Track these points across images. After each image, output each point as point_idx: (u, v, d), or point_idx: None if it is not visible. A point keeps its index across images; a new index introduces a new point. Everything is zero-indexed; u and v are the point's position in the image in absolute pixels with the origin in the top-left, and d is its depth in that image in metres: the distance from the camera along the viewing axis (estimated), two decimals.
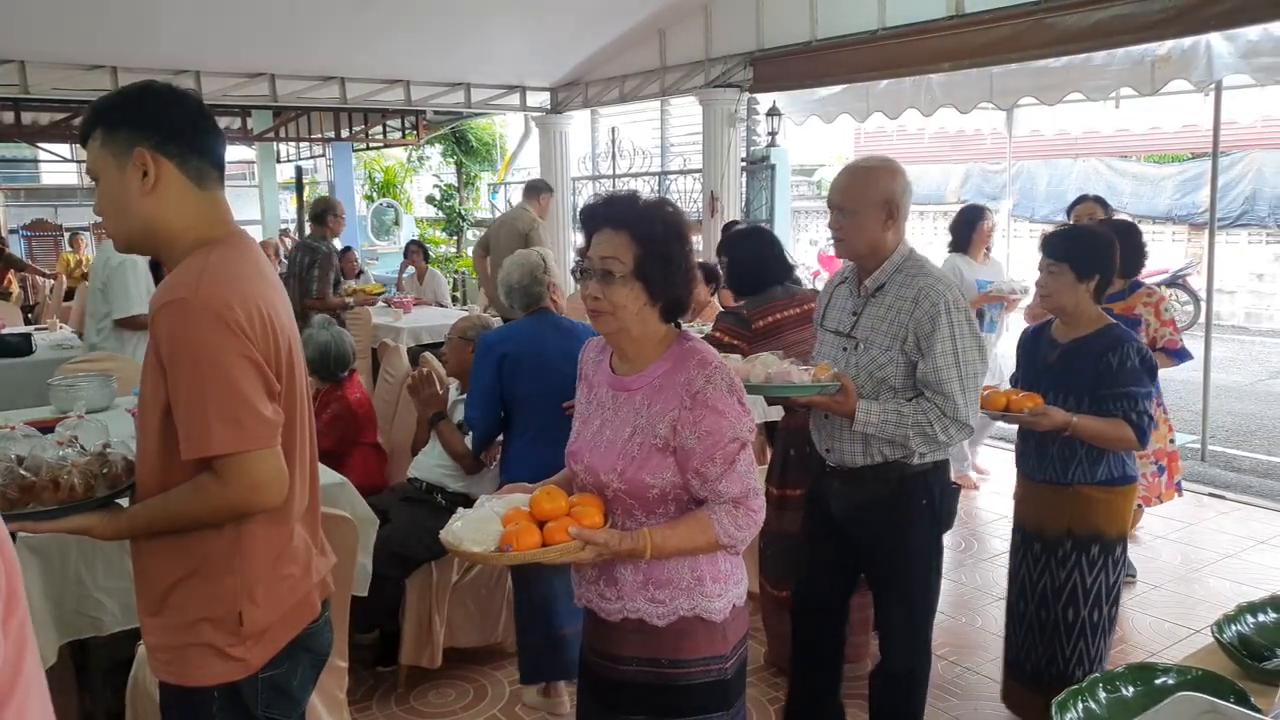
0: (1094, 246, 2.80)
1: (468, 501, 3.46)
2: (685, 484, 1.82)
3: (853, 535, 2.62)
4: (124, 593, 2.59)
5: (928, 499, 2.53)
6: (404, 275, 9.62)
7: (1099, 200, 4.63)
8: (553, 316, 3.31)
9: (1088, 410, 2.75)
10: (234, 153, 17.10)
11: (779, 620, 3.49)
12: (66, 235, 13.65)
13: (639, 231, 1.82)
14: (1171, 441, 4.19)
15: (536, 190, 7.17)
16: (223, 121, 13.20)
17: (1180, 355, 3.95)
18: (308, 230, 7.04)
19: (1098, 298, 2.81)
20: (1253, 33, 5.05)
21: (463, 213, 14.98)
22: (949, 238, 5.38)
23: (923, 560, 2.58)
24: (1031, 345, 3.00)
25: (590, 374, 2.00)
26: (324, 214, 6.37)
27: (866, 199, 2.45)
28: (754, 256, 3.51)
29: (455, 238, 14.91)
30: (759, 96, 8.07)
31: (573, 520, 1.77)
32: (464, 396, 3.58)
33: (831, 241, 2.67)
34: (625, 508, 1.87)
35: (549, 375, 3.08)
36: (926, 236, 16.54)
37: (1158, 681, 1.65)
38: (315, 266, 6.18)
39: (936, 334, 2.37)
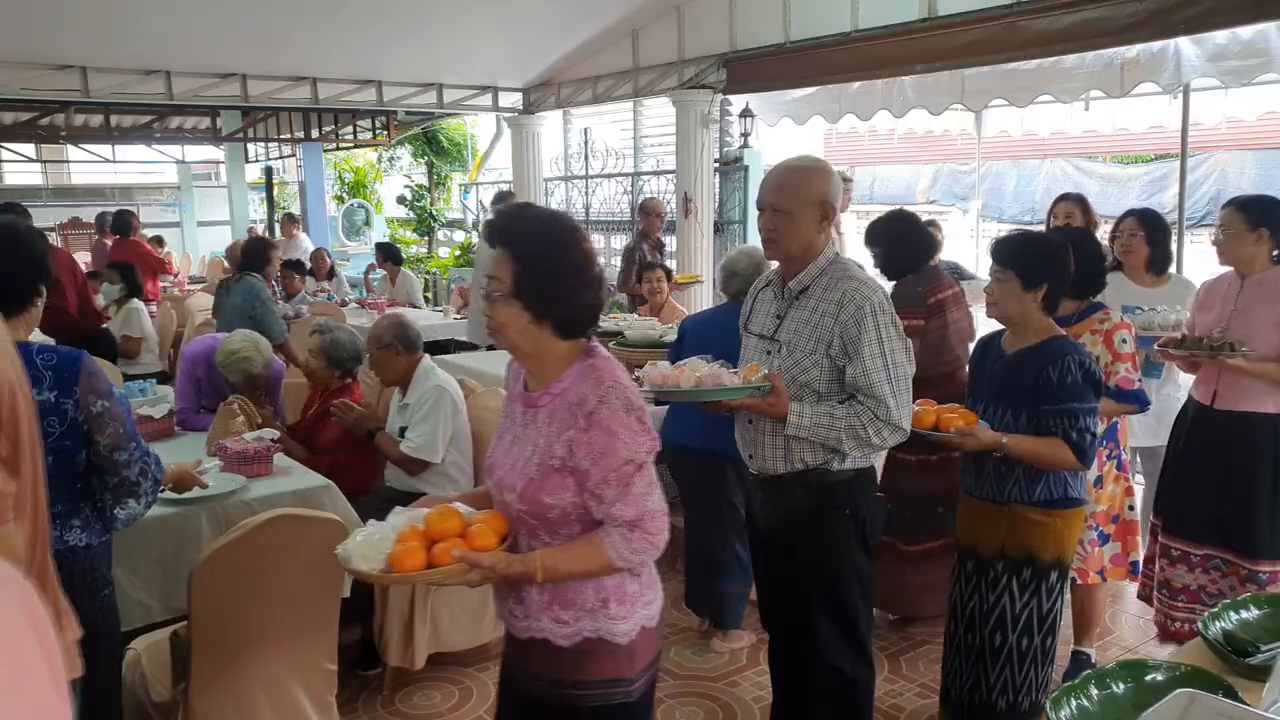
0: (1042, 255, 2.64)
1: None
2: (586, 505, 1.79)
3: (779, 546, 2.56)
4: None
5: (851, 509, 2.46)
6: (371, 277, 9.56)
7: (1080, 200, 4.36)
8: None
9: (1026, 426, 2.58)
10: (202, 152, 16.88)
11: (898, 571, 3.68)
12: None
13: (518, 250, 1.79)
14: (1130, 508, 3.41)
15: (503, 201, 7.17)
16: (190, 121, 13.03)
17: (1132, 399, 3.16)
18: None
19: (1048, 308, 2.64)
20: (1220, 36, 5.14)
21: (434, 213, 14.90)
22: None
23: (848, 569, 2.49)
24: (981, 354, 2.85)
25: (511, 388, 1.98)
26: (259, 255, 5.61)
27: (803, 199, 2.40)
28: (898, 239, 3.79)
29: (426, 238, 14.82)
30: (732, 98, 8.10)
31: (466, 540, 1.73)
32: (408, 401, 3.58)
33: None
34: (529, 528, 1.83)
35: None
36: None
37: (1148, 678, 1.68)
38: (268, 314, 5.30)
39: (863, 337, 2.32)
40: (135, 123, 11.84)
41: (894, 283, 3.78)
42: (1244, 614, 1.95)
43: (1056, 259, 2.65)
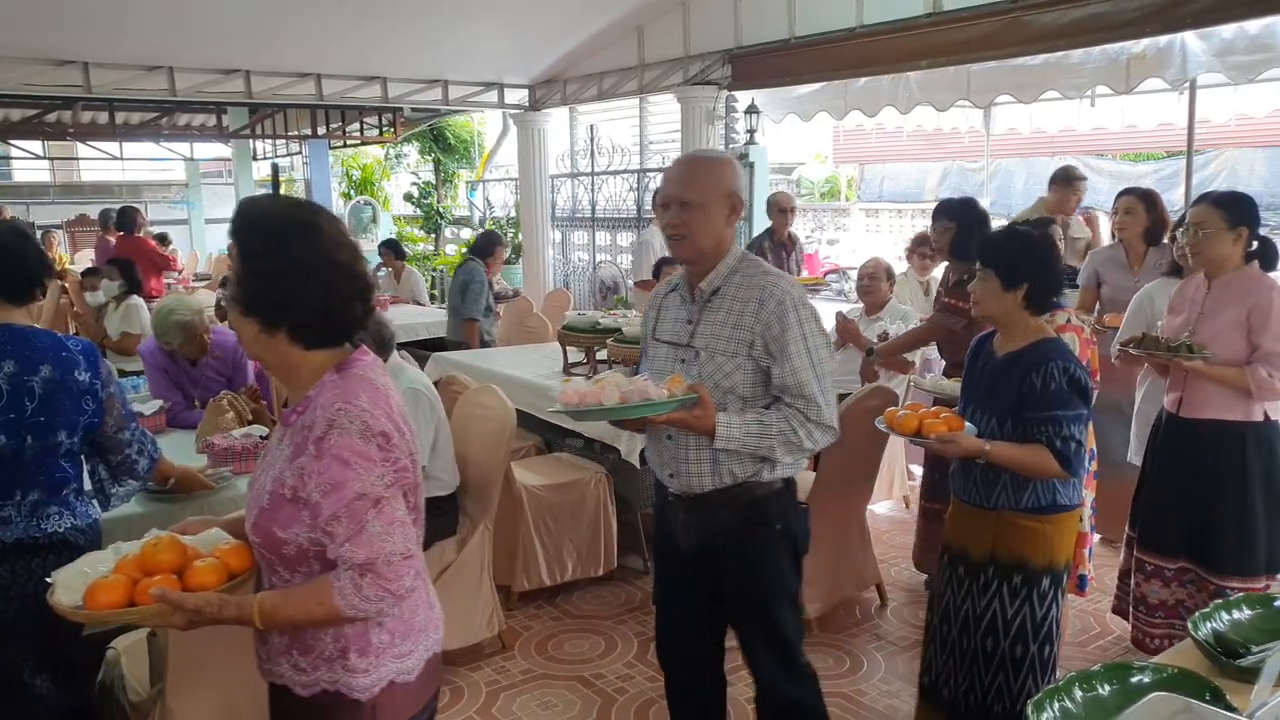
0: (1021, 252, 2.55)
1: (436, 504, 3.44)
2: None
3: (703, 570, 2.41)
4: None
5: (782, 523, 2.35)
6: (378, 274, 9.55)
7: (1145, 196, 4.30)
8: None
9: (1012, 432, 2.50)
10: (209, 150, 16.92)
11: (937, 532, 3.61)
12: (39, 233, 13.44)
13: (241, 248, 1.60)
14: (1080, 520, 3.10)
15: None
16: (197, 119, 13.07)
17: None
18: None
19: (1033, 308, 2.54)
20: (1226, 31, 5.08)
21: (441, 210, 14.89)
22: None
23: (782, 588, 2.40)
24: (974, 356, 2.76)
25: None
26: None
27: (713, 191, 2.28)
28: (977, 223, 3.84)
29: (433, 235, 14.82)
30: (737, 94, 8.06)
31: (185, 577, 1.58)
32: None
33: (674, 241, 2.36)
34: (267, 563, 1.64)
35: None
36: (905, 234, 16.61)
37: (1133, 680, 1.64)
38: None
39: (788, 334, 2.21)
40: (142, 120, 11.87)
41: (946, 264, 4.01)
42: (1236, 614, 1.91)
43: (1038, 258, 2.55)
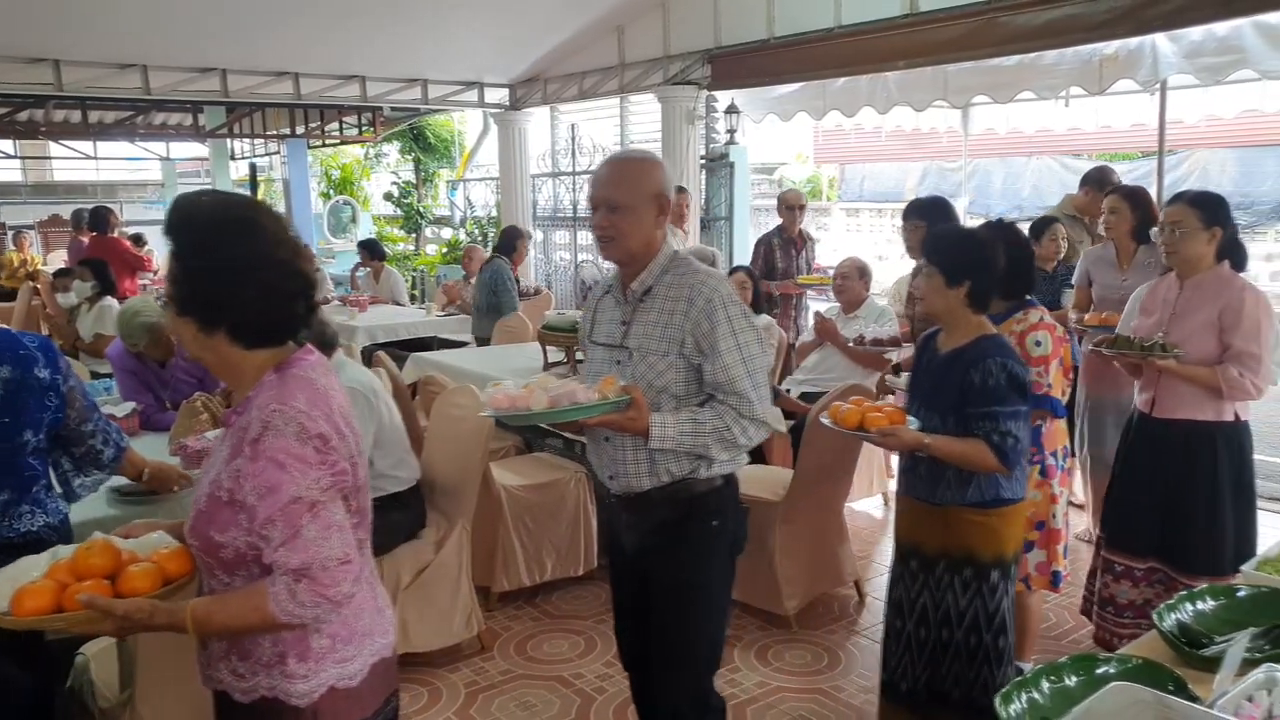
0: (964, 251, 2.59)
1: (396, 499, 3.43)
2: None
3: (645, 570, 2.38)
4: None
5: (719, 520, 2.34)
6: (358, 274, 9.52)
7: (1131, 195, 4.31)
8: None
9: (954, 428, 2.53)
10: (186, 149, 16.77)
11: None
12: (10, 234, 13.29)
13: (177, 245, 1.56)
14: (1054, 516, 3.14)
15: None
16: (173, 118, 12.95)
17: (1042, 404, 2.96)
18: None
19: (976, 305, 2.57)
20: (1196, 33, 5.15)
21: (421, 210, 14.84)
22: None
23: (714, 593, 2.36)
24: (920, 353, 2.80)
25: None
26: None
27: (640, 192, 2.27)
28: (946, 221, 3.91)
29: (414, 235, 14.77)
30: (717, 94, 8.09)
31: (118, 582, 1.55)
32: None
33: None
34: (207, 567, 1.62)
35: None
36: (885, 234, 16.69)
37: (1099, 671, 1.67)
38: None
39: (717, 331, 2.21)
40: (117, 119, 11.76)
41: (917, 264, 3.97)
42: (1200, 605, 1.94)
43: (980, 256, 2.59)
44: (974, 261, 2.57)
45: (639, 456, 2.29)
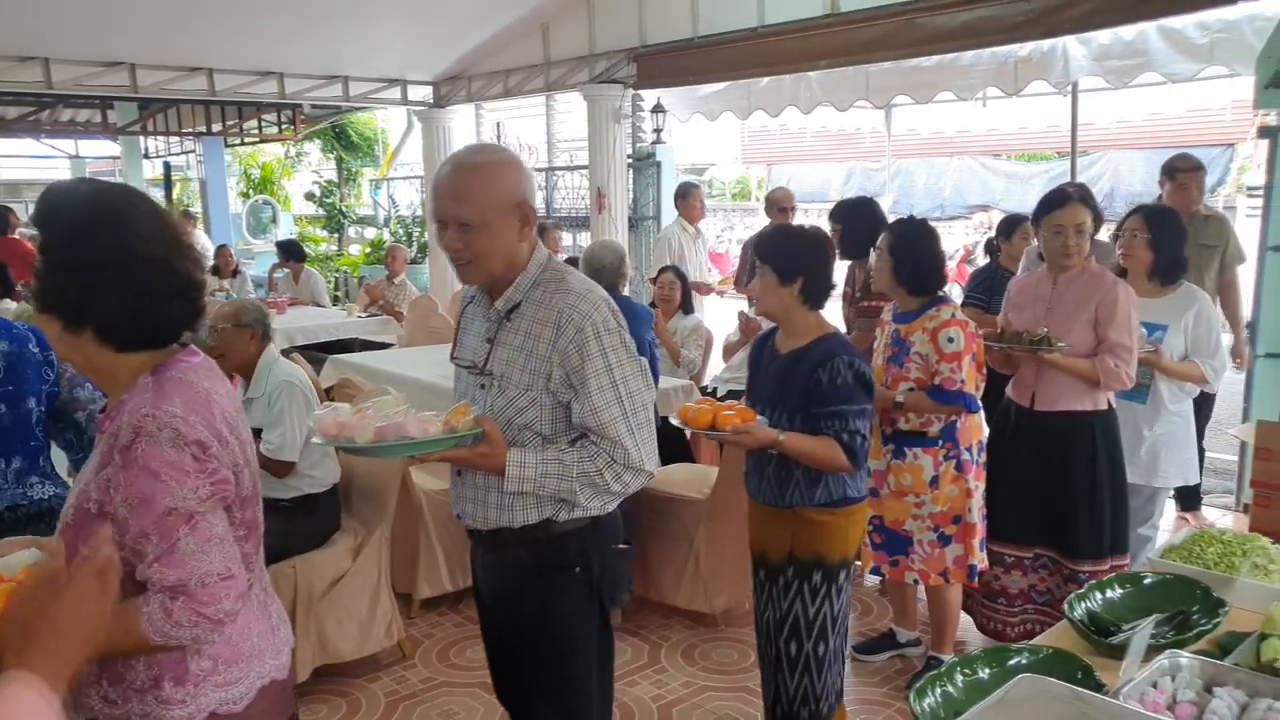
0: (795, 248, 2.57)
1: (306, 503, 3.39)
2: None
3: (503, 615, 2.11)
4: None
5: (582, 565, 2.00)
6: (276, 275, 9.27)
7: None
8: (627, 298, 4.10)
9: (801, 428, 2.51)
10: (96, 148, 16.16)
11: None
12: None
13: (42, 239, 1.46)
14: (970, 510, 3.18)
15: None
16: (81, 114, 12.45)
17: (956, 400, 3.02)
18: None
19: (811, 303, 2.57)
20: (1104, 37, 5.32)
21: (344, 209, 14.54)
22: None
23: (579, 649, 2.04)
24: (757, 354, 2.76)
25: None
26: None
27: (496, 204, 1.89)
28: (866, 224, 3.93)
29: (336, 235, 14.46)
30: (643, 93, 8.08)
31: None
32: (253, 396, 3.39)
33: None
34: None
35: None
36: None
37: (1011, 662, 1.68)
38: None
39: (588, 366, 1.89)
40: (20, 114, 11.24)
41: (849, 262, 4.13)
42: (1109, 593, 1.98)
43: (810, 253, 2.58)
44: (805, 259, 2.56)
45: (489, 498, 1.99)
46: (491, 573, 2.12)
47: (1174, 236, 3.50)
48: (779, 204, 6.31)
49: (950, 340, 3.03)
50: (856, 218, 4.06)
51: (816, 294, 2.56)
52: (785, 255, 2.55)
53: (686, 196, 6.66)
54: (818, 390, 2.47)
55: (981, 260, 13.00)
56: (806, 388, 2.49)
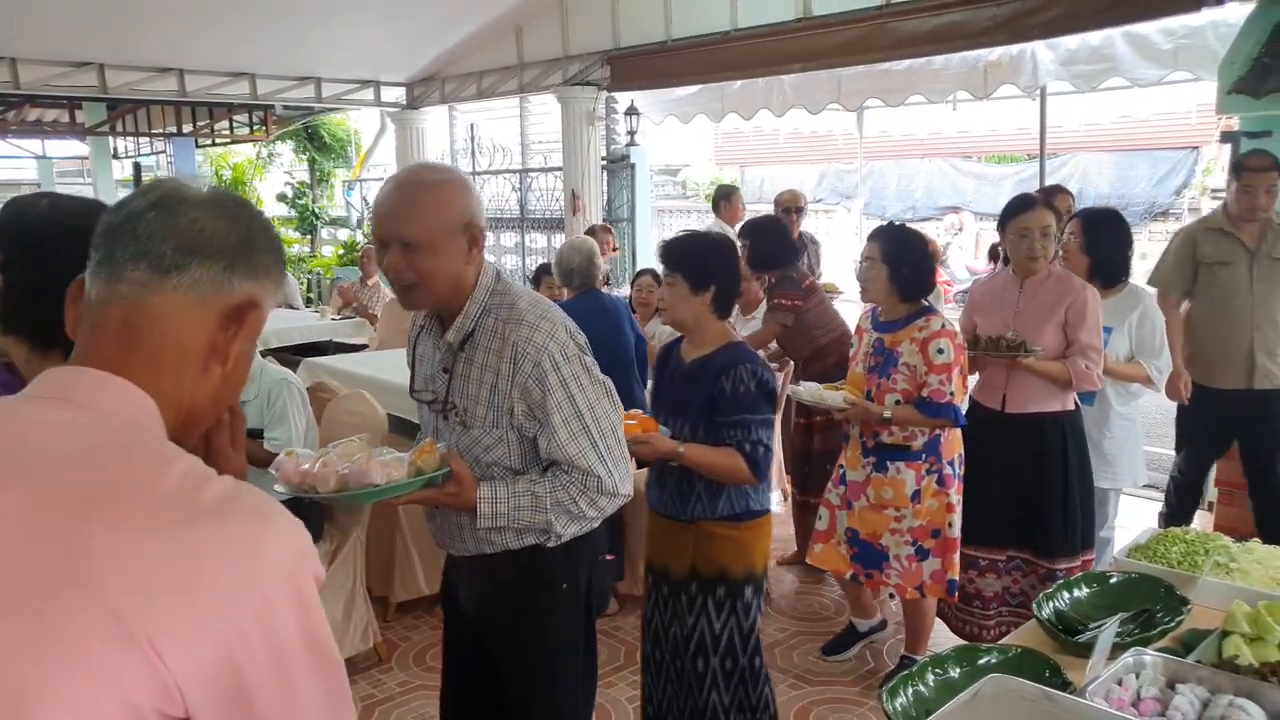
0: (707, 255, 2.53)
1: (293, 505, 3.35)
2: None
3: (485, 635, 2.06)
4: None
5: (569, 581, 1.98)
6: None
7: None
8: (601, 296, 4.05)
9: (704, 438, 2.47)
10: (65, 148, 15.91)
11: (802, 520, 4.18)
12: None
13: (2, 255, 1.37)
14: (951, 525, 3.15)
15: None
16: (49, 114, 12.26)
17: (945, 412, 3.01)
18: None
19: (720, 311, 2.54)
20: (1071, 42, 5.41)
21: (316, 211, 14.43)
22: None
23: (565, 661, 2.01)
24: (662, 363, 2.72)
25: None
26: None
27: (440, 227, 1.79)
28: (772, 237, 4.27)
29: (309, 236, 14.35)
30: (617, 95, 8.09)
31: None
32: (245, 398, 3.37)
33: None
34: None
35: (598, 350, 2.93)
36: None
37: (981, 661, 1.71)
38: None
39: (550, 400, 1.83)
40: None
41: (768, 273, 4.29)
42: (1076, 593, 2.01)
43: (723, 260, 2.54)
44: (718, 266, 2.52)
45: (465, 534, 1.94)
46: (476, 593, 2.04)
47: (1110, 239, 3.57)
48: (785, 205, 6.28)
49: (940, 352, 3.03)
50: (764, 234, 4.31)
51: (727, 303, 2.54)
52: (699, 265, 2.50)
53: (729, 198, 6.61)
54: (721, 398, 2.43)
55: (954, 262, 13.18)
56: (710, 394, 2.45)
